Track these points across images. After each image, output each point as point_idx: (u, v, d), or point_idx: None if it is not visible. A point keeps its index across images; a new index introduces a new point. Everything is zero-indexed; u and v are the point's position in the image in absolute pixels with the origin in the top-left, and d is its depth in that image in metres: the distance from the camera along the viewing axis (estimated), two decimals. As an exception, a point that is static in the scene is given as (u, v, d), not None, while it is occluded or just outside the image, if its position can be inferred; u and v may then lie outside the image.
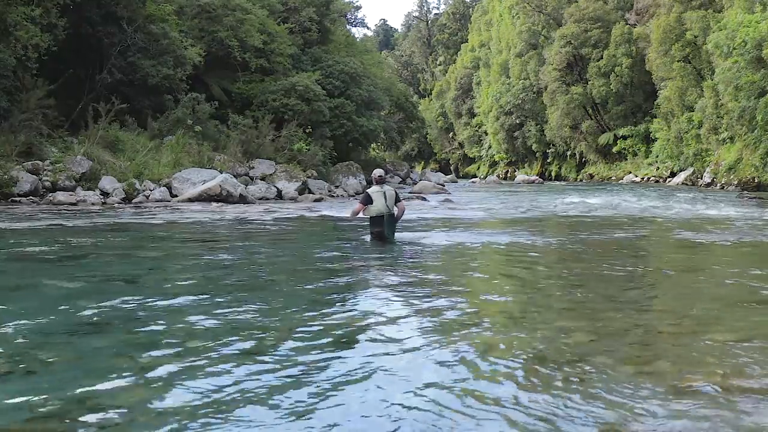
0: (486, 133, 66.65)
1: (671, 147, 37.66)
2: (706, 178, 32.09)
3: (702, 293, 5.89)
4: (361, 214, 9.13)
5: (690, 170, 35.05)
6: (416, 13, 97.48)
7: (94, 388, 3.23)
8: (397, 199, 9.11)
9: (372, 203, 8.90)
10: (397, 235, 9.79)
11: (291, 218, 13.83)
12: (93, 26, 20.54)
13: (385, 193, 8.98)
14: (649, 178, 40.46)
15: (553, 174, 55.95)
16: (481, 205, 18.91)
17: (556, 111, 49.30)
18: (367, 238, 9.31)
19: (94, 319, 4.62)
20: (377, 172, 9.63)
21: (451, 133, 78.22)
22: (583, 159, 51.89)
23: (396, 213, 9.18)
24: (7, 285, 5.87)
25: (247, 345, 3.97)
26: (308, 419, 2.89)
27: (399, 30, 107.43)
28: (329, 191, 23.00)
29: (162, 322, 4.55)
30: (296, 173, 22.55)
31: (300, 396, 3.15)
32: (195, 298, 5.37)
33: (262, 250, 9.06)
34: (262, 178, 22.07)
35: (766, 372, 3.49)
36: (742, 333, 4.31)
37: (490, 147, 66.41)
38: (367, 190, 9.16)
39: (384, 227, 9.03)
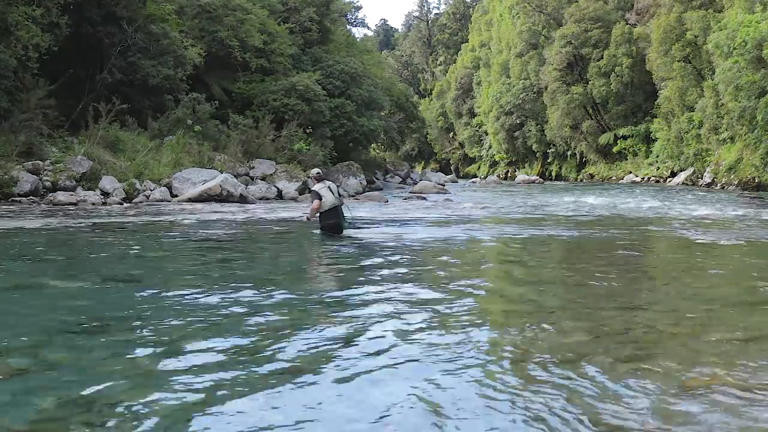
0: (486, 133, 66.65)
1: (671, 147, 37.67)
2: (707, 178, 32.09)
3: (702, 293, 5.88)
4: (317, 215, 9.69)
5: (690, 170, 35.06)
6: (416, 13, 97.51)
7: (94, 388, 3.23)
8: (339, 193, 9.87)
9: (323, 198, 9.54)
10: (397, 233, 9.80)
11: (291, 218, 13.83)
12: (93, 26, 20.54)
13: (330, 187, 9.75)
14: (649, 178, 40.46)
15: (553, 174, 55.95)
16: (480, 205, 18.91)
17: (556, 111, 49.29)
18: (316, 232, 9.88)
19: (94, 319, 4.62)
20: (315, 170, 10.48)
21: (452, 133, 78.23)
22: (584, 159, 51.90)
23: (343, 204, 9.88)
24: (7, 285, 5.87)
25: (248, 344, 3.97)
26: (309, 419, 2.90)
27: (399, 30, 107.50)
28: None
29: (162, 321, 4.56)
30: (296, 173, 22.55)
31: (301, 396, 3.15)
32: (195, 298, 5.37)
33: (263, 249, 9.07)
34: (263, 178, 22.07)
35: (765, 372, 3.49)
36: (742, 333, 4.31)
37: (490, 147, 66.41)
38: (314, 188, 9.79)
39: (338, 218, 9.67)
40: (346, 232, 9.82)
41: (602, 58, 44.60)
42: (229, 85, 27.64)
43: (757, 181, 26.59)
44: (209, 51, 25.67)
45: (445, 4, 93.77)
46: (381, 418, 2.92)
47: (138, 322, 4.52)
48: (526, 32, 55.33)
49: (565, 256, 8.74)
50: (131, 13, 21.39)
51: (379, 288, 5.87)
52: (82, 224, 11.48)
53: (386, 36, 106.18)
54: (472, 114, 70.54)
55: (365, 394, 3.19)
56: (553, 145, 55.03)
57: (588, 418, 2.89)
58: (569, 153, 53.49)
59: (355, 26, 63.19)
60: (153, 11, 22.80)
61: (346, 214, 9.94)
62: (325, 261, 8.01)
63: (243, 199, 18.38)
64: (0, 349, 3.82)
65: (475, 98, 69.58)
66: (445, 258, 8.33)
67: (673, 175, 37.65)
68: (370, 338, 4.16)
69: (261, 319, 4.67)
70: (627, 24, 45.33)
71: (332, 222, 9.64)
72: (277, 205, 18.35)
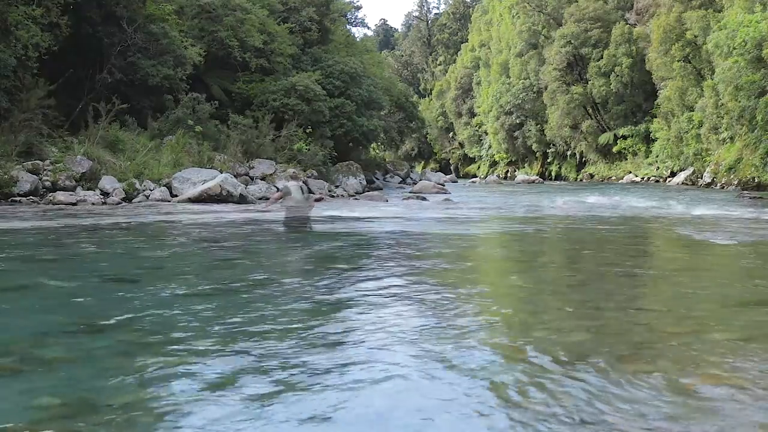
0: (486, 133, 66.68)
1: (671, 147, 37.68)
2: (706, 178, 32.10)
3: (702, 293, 5.88)
4: (277, 205, 11.15)
5: (690, 170, 35.07)
6: (416, 13, 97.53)
7: (94, 388, 3.23)
8: (310, 192, 10.60)
9: (291, 194, 10.67)
10: (397, 233, 9.80)
11: (289, 218, 13.81)
12: (93, 26, 20.52)
13: (300, 187, 10.96)
14: (649, 178, 40.49)
15: (553, 174, 55.97)
16: (480, 205, 18.91)
17: (556, 111, 49.31)
18: (281, 228, 10.89)
19: (94, 319, 4.62)
20: (291, 170, 11.89)
21: (451, 133, 78.22)
22: (583, 159, 51.92)
23: (309, 204, 11.06)
24: (7, 285, 5.87)
25: (248, 345, 3.97)
26: (309, 420, 2.90)
27: (399, 30, 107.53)
28: (329, 191, 23.00)
29: (162, 322, 4.55)
30: (296, 173, 22.52)
31: (301, 396, 3.15)
32: (195, 298, 5.37)
33: (263, 249, 9.07)
34: (262, 178, 22.06)
35: (765, 372, 3.49)
36: (742, 333, 4.31)
37: (490, 147, 66.44)
38: (287, 184, 11.07)
39: (300, 217, 10.72)
40: (348, 228, 10.19)
41: (602, 57, 44.62)
42: (228, 85, 27.62)
43: (756, 181, 26.59)
44: (209, 51, 25.65)
45: (445, 4, 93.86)
46: (377, 418, 2.92)
47: (137, 322, 4.52)
48: (525, 32, 55.37)
49: (565, 256, 8.74)
50: (131, 13, 21.37)
51: (377, 286, 5.87)
52: (82, 224, 11.47)
53: (386, 36, 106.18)
54: (472, 114, 70.55)
55: (362, 393, 3.18)
56: (553, 144, 55.06)
57: (588, 418, 2.89)
58: (569, 153, 53.52)
59: (355, 26, 63.27)
60: (153, 11, 22.78)
61: (311, 214, 11.24)
62: (324, 260, 8.01)
63: (243, 199, 18.36)
64: None
65: (475, 98, 69.59)
66: (443, 257, 8.33)
67: (673, 174, 37.67)
68: (368, 337, 4.15)
69: (262, 319, 4.67)
70: (627, 24, 45.36)
71: (295, 218, 10.73)
72: (276, 205, 18.33)
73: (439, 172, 54.27)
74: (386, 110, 37.45)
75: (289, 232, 10.86)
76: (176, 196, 18.22)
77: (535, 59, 53.84)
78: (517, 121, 57.94)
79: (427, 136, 72.93)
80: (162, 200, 17.64)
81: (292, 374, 3.45)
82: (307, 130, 25.98)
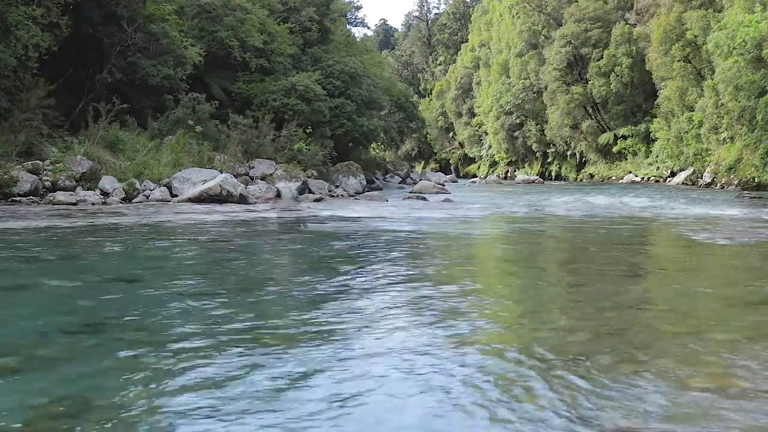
0: (486, 133, 66.69)
1: (671, 147, 37.68)
2: (706, 178, 32.09)
3: (702, 293, 5.89)
4: (269, 205, 11.63)
5: (690, 170, 35.07)
6: (416, 13, 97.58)
7: (94, 387, 3.23)
8: (310, 192, 11.90)
9: (282, 195, 11.35)
10: (396, 232, 9.79)
11: (290, 218, 13.81)
12: (93, 26, 20.53)
13: (291, 188, 11.88)
14: (649, 178, 40.50)
15: (553, 174, 55.99)
16: (480, 205, 18.91)
17: (556, 111, 49.32)
18: (278, 228, 11.42)
19: (94, 319, 4.62)
20: (279, 171, 12.93)
21: (451, 133, 78.24)
22: (583, 159, 51.92)
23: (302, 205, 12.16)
24: (7, 285, 5.87)
25: (249, 345, 3.97)
26: (308, 420, 2.90)
27: (399, 30, 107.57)
28: (329, 191, 22.98)
29: (162, 322, 4.56)
30: (296, 173, 22.52)
31: (301, 397, 3.15)
32: (195, 298, 5.37)
33: (262, 249, 9.07)
34: (262, 178, 22.04)
35: (766, 372, 3.49)
36: (742, 333, 4.31)
37: (490, 147, 66.44)
38: (279, 186, 11.97)
39: (296, 217, 11.78)
40: (350, 229, 10.19)
41: (602, 57, 44.62)
42: (228, 85, 27.61)
43: (757, 181, 26.58)
44: (209, 51, 25.64)
45: (445, 4, 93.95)
46: (376, 419, 2.92)
47: (138, 322, 4.52)
48: (525, 32, 55.39)
49: (564, 256, 8.74)
50: (131, 13, 21.37)
51: (375, 286, 5.87)
52: (82, 224, 11.47)
53: (386, 36, 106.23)
54: (472, 114, 70.56)
55: (361, 395, 3.18)
56: (553, 144, 55.07)
57: (587, 419, 2.89)
58: (569, 153, 53.52)
59: (355, 26, 63.21)
60: (153, 11, 22.79)
61: (305, 213, 12.32)
62: (322, 260, 8.00)
63: (243, 199, 18.34)
64: None
65: (475, 98, 69.61)
66: (442, 256, 8.33)
67: (673, 174, 37.68)
68: (366, 337, 4.16)
69: (263, 320, 4.67)
70: (627, 24, 45.36)
71: (290, 218, 11.63)
72: (276, 204, 18.33)
73: (439, 172, 54.29)
74: (386, 110, 37.44)
75: (286, 231, 10.88)
76: (176, 196, 18.22)
77: (535, 59, 53.84)
78: (517, 121, 57.95)
79: (427, 136, 72.94)
80: (162, 200, 17.64)
81: (291, 375, 3.45)
82: (307, 130, 25.97)
